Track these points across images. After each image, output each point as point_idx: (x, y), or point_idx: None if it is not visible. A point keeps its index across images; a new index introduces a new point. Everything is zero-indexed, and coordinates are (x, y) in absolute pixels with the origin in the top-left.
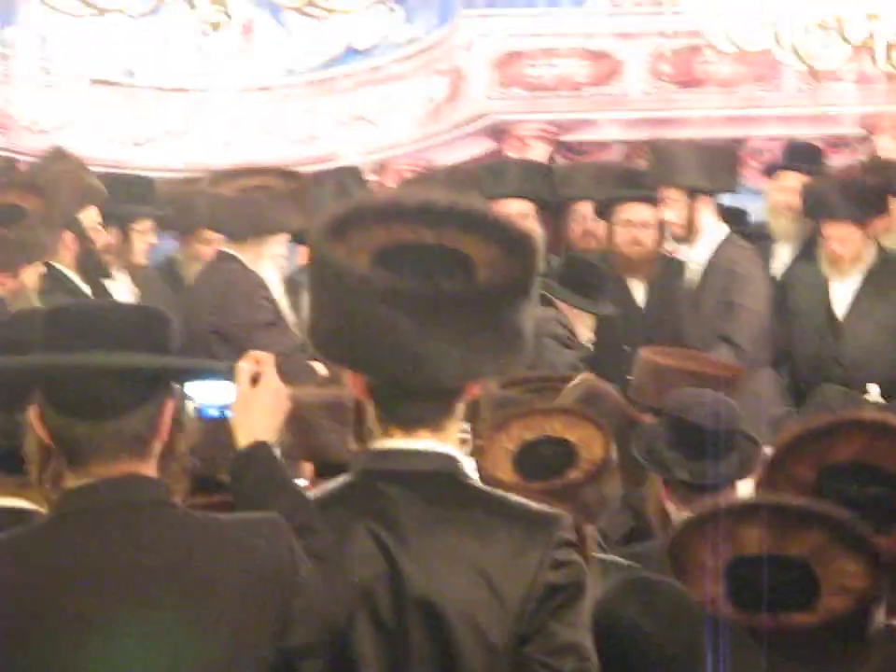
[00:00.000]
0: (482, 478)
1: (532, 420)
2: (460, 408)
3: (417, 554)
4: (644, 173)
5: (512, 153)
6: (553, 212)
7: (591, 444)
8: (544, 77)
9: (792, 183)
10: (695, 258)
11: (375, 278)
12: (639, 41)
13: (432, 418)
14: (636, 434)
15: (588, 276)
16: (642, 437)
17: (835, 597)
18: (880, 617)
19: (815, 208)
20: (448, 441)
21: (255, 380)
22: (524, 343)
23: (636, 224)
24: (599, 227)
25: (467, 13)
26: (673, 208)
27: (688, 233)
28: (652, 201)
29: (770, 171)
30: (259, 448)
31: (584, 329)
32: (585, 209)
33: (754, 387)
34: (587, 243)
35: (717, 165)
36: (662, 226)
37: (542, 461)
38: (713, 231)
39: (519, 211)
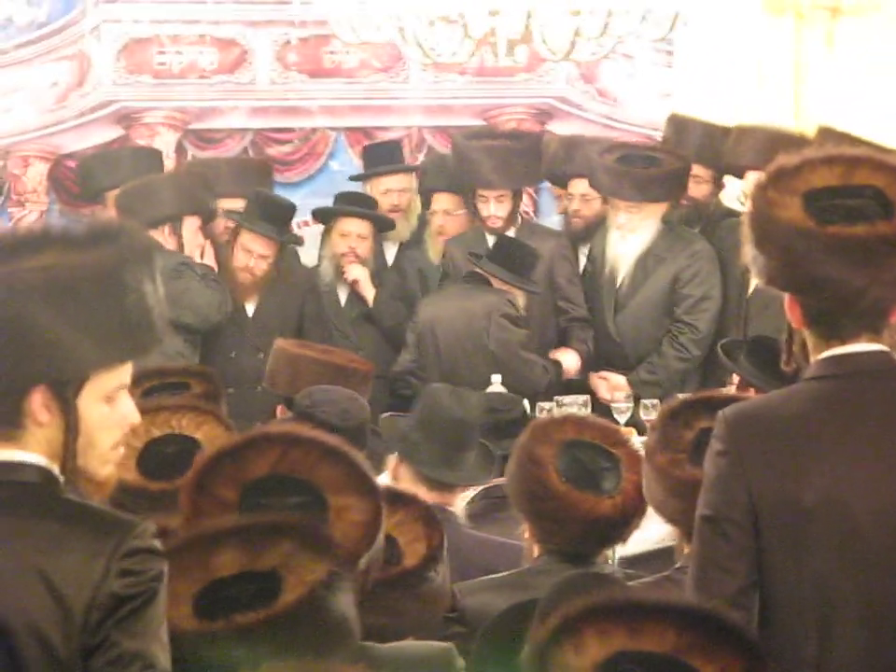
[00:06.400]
0: None
1: (159, 416)
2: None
3: None
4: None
5: (141, 141)
6: None
7: (216, 442)
8: (172, 64)
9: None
10: None
11: None
12: (267, 30)
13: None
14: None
15: (519, 255)
16: None
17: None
18: None
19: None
20: (35, 447)
21: None
22: (145, 326)
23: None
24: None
25: None
26: (499, 202)
27: (510, 224)
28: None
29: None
30: None
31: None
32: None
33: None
34: None
35: (520, 163)
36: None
37: (166, 459)
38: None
39: None
